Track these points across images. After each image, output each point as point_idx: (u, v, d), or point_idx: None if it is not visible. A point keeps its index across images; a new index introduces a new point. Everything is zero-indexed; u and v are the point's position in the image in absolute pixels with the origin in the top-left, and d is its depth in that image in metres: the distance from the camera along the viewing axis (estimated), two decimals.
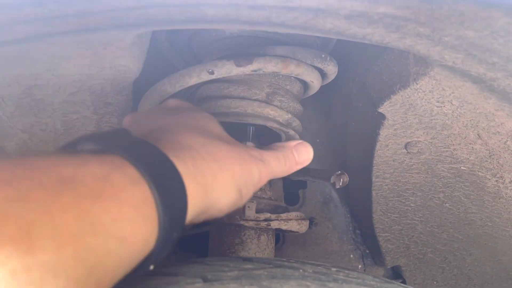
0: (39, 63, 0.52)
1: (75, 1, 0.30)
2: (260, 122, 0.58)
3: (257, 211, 0.55)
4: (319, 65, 0.59)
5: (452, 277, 0.86)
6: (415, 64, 0.52)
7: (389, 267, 0.87)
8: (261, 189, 0.60)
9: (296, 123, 0.62)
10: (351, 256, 0.89)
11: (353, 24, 0.40)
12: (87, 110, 0.62)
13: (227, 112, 0.58)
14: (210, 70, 0.53)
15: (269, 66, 0.54)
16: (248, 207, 0.54)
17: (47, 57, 0.51)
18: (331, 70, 0.61)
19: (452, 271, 0.85)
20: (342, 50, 0.71)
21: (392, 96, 0.57)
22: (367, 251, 0.90)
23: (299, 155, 0.53)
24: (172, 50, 0.68)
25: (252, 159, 0.46)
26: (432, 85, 0.53)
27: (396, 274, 0.91)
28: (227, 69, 0.53)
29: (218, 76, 0.54)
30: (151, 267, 0.34)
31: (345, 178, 0.56)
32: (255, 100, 0.58)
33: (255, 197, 0.59)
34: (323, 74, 0.63)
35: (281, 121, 0.60)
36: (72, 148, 0.35)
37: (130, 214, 0.30)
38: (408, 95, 0.56)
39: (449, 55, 0.44)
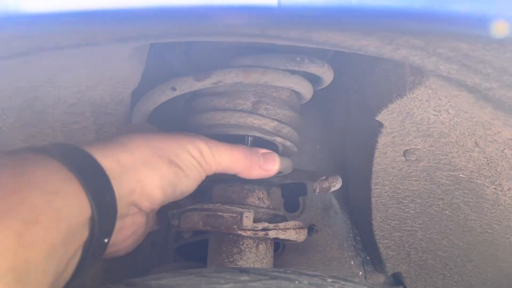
0: (39, 75, 0.52)
1: (73, 20, 0.31)
2: (242, 132, 0.59)
3: (255, 221, 0.55)
4: (296, 68, 0.58)
5: (453, 284, 0.86)
6: (411, 74, 0.53)
7: (389, 273, 0.87)
8: (259, 198, 0.60)
9: (287, 129, 0.61)
10: (352, 262, 0.89)
11: (348, 36, 0.41)
12: (87, 120, 0.62)
13: (212, 125, 0.59)
14: (173, 87, 0.55)
15: (228, 77, 0.54)
16: (246, 216, 0.54)
17: (47, 70, 0.51)
18: (316, 70, 0.59)
19: (453, 277, 0.85)
20: (341, 59, 0.71)
21: (389, 104, 0.58)
22: (368, 258, 0.90)
23: (265, 162, 0.56)
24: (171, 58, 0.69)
25: (185, 138, 0.50)
26: (428, 94, 0.53)
27: (397, 280, 0.91)
28: (188, 85, 0.55)
29: (181, 92, 0.56)
30: (106, 240, 0.41)
31: (325, 184, 0.56)
32: (239, 110, 0.58)
33: (253, 206, 0.59)
34: (311, 78, 0.62)
35: (268, 129, 0.59)
36: None
37: (54, 176, 0.36)
38: (405, 103, 0.56)
39: (444, 66, 0.44)
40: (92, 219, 0.38)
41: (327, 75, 0.62)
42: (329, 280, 0.39)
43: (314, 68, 0.59)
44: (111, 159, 0.42)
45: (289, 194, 0.86)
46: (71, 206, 0.36)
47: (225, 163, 0.52)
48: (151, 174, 0.46)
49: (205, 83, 0.55)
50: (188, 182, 0.50)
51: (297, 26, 0.37)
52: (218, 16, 0.34)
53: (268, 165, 0.56)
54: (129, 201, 0.44)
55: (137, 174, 0.44)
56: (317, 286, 0.36)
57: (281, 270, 0.42)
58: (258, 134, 0.59)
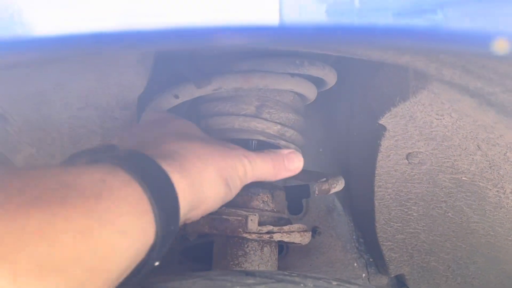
0: (46, 81, 0.53)
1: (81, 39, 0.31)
2: (246, 136, 0.59)
3: (260, 224, 0.56)
4: (296, 72, 0.58)
5: (456, 286, 0.86)
6: (415, 78, 0.53)
7: (392, 275, 0.88)
8: (263, 202, 0.60)
9: (290, 133, 0.61)
10: (355, 264, 0.90)
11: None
12: (93, 124, 0.63)
13: (216, 129, 0.60)
14: (176, 95, 0.56)
15: (228, 83, 0.55)
16: (251, 220, 0.55)
17: (54, 75, 0.52)
18: (316, 73, 0.60)
19: (455, 279, 0.86)
20: (344, 62, 0.72)
21: (392, 108, 0.58)
22: (371, 260, 0.90)
23: (290, 162, 0.55)
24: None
25: (235, 155, 0.50)
26: (431, 98, 0.54)
27: (400, 282, 0.91)
28: (189, 92, 0.56)
29: (184, 99, 0.57)
30: (156, 263, 0.38)
31: (324, 186, 0.56)
32: (243, 115, 0.59)
33: (258, 209, 0.59)
34: (314, 79, 0.62)
35: (271, 132, 0.60)
36: (70, 162, 0.38)
37: (128, 210, 0.34)
38: (408, 107, 0.57)
39: (446, 71, 0.45)
40: (151, 248, 0.36)
41: (329, 77, 0.62)
42: (334, 283, 0.40)
43: (315, 71, 0.59)
44: (185, 181, 0.41)
45: (293, 196, 0.87)
46: (138, 243, 0.35)
47: (261, 174, 0.52)
48: (212, 192, 0.45)
49: (207, 90, 0.56)
50: (228, 200, 0.49)
51: (298, 43, 0.38)
52: (217, 37, 0.35)
53: (294, 165, 0.55)
54: (182, 220, 0.42)
55: (201, 192, 0.43)
56: None
57: (287, 273, 0.42)
58: (261, 138, 0.60)
